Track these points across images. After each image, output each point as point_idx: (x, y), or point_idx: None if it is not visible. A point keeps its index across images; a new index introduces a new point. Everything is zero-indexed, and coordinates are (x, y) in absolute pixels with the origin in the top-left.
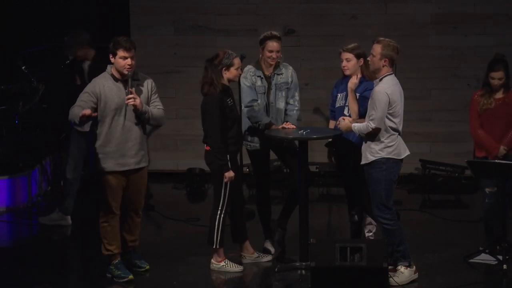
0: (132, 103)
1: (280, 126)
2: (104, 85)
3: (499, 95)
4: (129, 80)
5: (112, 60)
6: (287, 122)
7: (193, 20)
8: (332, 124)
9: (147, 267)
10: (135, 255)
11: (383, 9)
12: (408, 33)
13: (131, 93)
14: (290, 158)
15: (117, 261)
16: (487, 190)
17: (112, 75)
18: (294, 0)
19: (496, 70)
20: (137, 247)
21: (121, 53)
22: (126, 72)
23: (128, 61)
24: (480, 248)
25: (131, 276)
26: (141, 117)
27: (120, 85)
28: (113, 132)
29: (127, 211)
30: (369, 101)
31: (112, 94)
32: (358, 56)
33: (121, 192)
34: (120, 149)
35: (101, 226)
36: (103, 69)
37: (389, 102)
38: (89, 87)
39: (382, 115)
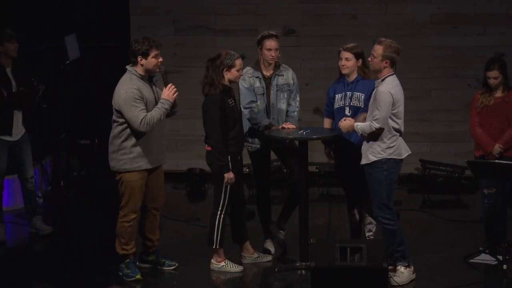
0: (177, 97)
1: (280, 126)
2: (140, 87)
3: (499, 93)
4: (166, 76)
5: (142, 61)
6: (287, 122)
7: (193, 20)
8: (327, 122)
9: (176, 264)
10: (160, 254)
11: (383, 9)
12: (408, 33)
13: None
14: (290, 159)
15: (128, 260)
16: (485, 191)
17: (140, 75)
18: (294, 0)
19: (491, 69)
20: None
21: (154, 52)
22: (158, 70)
23: (160, 58)
24: (480, 248)
25: (138, 276)
26: (172, 111)
27: (147, 83)
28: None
29: (148, 209)
30: (372, 101)
31: (149, 94)
32: (357, 56)
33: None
34: (153, 147)
35: (120, 225)
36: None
37: (393, 102)
38: (134, 94)
39: (386, 115)
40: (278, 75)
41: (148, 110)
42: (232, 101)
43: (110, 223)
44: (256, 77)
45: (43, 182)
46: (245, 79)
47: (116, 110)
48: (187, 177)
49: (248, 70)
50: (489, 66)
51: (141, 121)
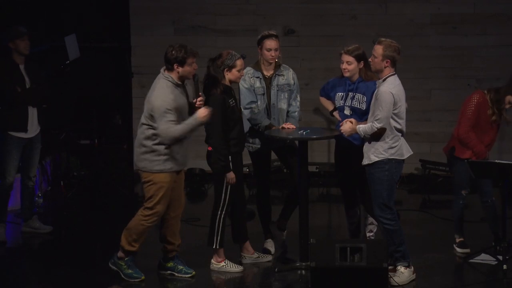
0: (202, 104)
1: (280, 127)
2: (176, 96)
3: None
4: (198, 83)
5: (178, 69)
6: (287, 123)
7: (193, 20)
8: (324, 101)
9: (193, 272)
10: (179, 260)
11: (383, 9)
12: (408, 33)
13: (200, 95)
14: (290, 158)
15: (128, 258)
16: (463, 192)
17: (176, 83)
18: (294, 0)
19: None
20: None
21: (190, 60)
22: (191, 77)
23: (195, 65)
24: (457, 248)
25: (143, 277)
26: None
27: (183, 90)
28: None
29: (172, 213)
30: (373, 101)
31: (183, 102)
32: (358, 59)
33: None
34: (181, 150)
35: (139, 223)
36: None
37: (394, 102)
38: (169, 104)
39: (387, 114)
40: (279, 75)
41: (181, 117)
42: (233, 101)
43: (110, 223)
44: (257, 77)
45: (43, 182)
46: (245, 79)
47: (151, 115)
48: (187, 177)
49: (249, 70)
50: None
51: (163, 134)
